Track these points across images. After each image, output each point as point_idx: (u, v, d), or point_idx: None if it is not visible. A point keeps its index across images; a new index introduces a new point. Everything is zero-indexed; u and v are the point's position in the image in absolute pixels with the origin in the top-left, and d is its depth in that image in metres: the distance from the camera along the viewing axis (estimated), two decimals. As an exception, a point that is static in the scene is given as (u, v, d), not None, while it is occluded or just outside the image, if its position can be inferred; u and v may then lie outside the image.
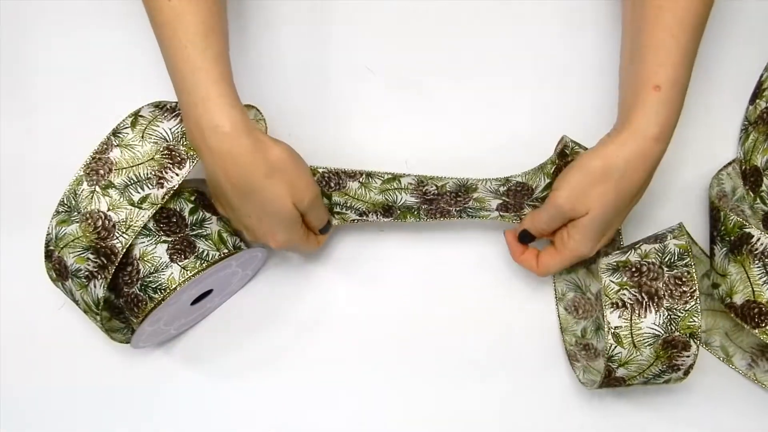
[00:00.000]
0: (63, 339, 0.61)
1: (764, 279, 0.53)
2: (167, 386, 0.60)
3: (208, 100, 0.47)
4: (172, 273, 0.52)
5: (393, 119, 0.61)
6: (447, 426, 0.58)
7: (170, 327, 0.58)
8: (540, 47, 0.64)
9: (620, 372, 0.52)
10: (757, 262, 0.54)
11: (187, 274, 0.52)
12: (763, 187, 0.58)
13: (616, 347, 0.51)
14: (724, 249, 0.56)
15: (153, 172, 0.52)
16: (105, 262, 0.50)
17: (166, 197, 0.51)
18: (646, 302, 0.51)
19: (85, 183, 0.51)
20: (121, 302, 0.53)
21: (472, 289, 0.61)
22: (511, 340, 0.60)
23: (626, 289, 0.52)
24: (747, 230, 0.54)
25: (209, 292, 0.58)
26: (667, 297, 0.51)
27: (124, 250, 0.50)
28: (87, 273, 0.51)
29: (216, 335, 0.61)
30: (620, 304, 0.51)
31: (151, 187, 0.51)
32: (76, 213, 0.51)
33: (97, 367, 0.61)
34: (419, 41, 0.60)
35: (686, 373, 0.52)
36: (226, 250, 0.55)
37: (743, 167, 0.60)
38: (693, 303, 0.50)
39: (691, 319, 0.50)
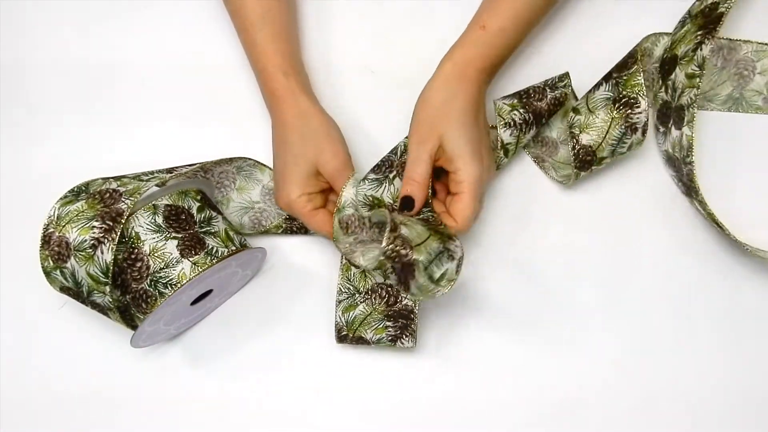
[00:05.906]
0: (63, 339, 0.61)
1: (616, 143, 0.56)
2: (167, 386, 0.60)
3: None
4: (183, 269, 0.52)
5: (393, 119, 0.61)
6: (450, 426, 0.59)
7: (170, 327, 0.57)
8: (540, 46, 0.65)
9: (584, 139, 0.55)
10: (623, 127, 0.55)
11: (198, 270, 0.51)
12: (672, 77, 0.58)
13: (575, 116, 0.56)
14: (610, 94, 0.57)
15: (165, 168, 0.55)
16: (111, 224, 0.50)
17: (172, 180, 0.54)
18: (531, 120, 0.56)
19: (100, 179, 0.53)
20: (128, 299, 0.53)
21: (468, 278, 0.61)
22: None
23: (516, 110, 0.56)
24: (640, 98, 0.55)
25: (209, 292, 0.57)
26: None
27: (129, 212, 0.51)
28: (93, 241, 0.50)
29: (216, 335, 0.61)
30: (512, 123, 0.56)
31: (161, 173, 0.54)
32: (84, 194, 0.51)
33: (96, 366, 0.60)
34: (419, 41, 0.60)
35: (644, 132, 0.56)
36: (234, 247, 0.55)
37: (665, 55, 0.60)
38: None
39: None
